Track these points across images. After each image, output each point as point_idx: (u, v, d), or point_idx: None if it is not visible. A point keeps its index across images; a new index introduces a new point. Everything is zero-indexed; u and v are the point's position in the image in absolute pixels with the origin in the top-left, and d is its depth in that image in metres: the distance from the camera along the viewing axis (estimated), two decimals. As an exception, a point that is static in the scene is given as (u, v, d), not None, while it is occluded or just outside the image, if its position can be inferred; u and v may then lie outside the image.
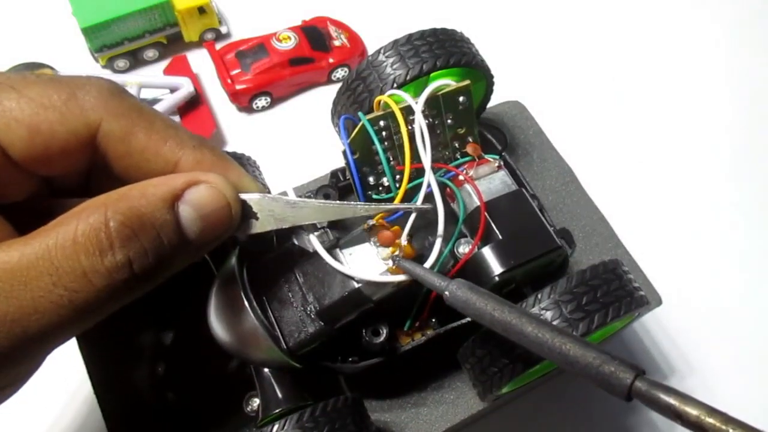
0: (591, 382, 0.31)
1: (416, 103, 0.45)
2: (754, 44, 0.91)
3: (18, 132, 0.32)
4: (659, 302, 0.55)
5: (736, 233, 0.75)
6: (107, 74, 0.82)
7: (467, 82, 0.48)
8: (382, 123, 0.46)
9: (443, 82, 0.47)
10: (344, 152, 0.45)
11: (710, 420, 0.26)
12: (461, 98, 0.48)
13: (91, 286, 0.30)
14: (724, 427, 0.26)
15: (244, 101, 0.80)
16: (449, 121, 0.48)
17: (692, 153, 0.81)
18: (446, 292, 0.38)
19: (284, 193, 0.43)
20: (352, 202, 0.42)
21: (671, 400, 0.27)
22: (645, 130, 0.82)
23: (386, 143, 0.46)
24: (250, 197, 0.37)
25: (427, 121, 0.47)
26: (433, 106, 0.47)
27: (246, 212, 0.37)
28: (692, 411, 0.26)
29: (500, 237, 0.45)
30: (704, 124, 0.83)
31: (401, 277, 0.41)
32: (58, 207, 0.34)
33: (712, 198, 0.77)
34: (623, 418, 0.63)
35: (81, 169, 0.36)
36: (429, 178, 0.43)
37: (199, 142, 0.37)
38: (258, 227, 0.38)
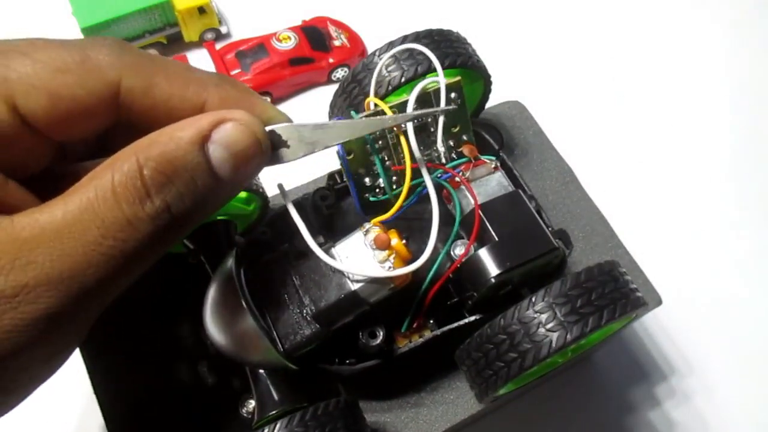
0: None
1: (406, 100, 0.45)
2: (755, 44, 0.91)
3: (38, 99, 0.31)
4: (659, 302, 0.55)
5: (736, 233, 0.75)
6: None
7: (458, 78, 0.47)
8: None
9: (434, 78, 0.47)
10: (338, 153, 0.45)
11: None
12: (453, 95, 0.47)
13: (138, 233, 0.30)
14: None
15: (244, 101, 0.79)
16: (442, 118, 0.48)
17: (692, 153, 0.81)
18: None
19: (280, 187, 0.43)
20: (380, 116, 0.41)
21: None
22: (645, 130, 0.82)
23: (380, 143, 0.46)
24: (278, 127, 0.36)
25: (419, 120, 0.46)
26: (426, 104, 0.47)
27: (276, 142, 0.36)
28: None
29: (497, 239, 0.45)
30: (704, 124, 0.83)
31: (396, 272, 0.41)
32: (77, 172, 0.33)
33: (712, 198, 0.77)
34: (623, 418, 0.63)
35: (102, 130, 0.35)
36: (425, 177, 0.43)
37: (219, 79, 0.36)
38: (290, 155, 0.37)
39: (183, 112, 0.34)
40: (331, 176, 0.53)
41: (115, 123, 0.35)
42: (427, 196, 0.44)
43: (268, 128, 0.36)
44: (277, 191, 0.46)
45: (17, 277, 0.28)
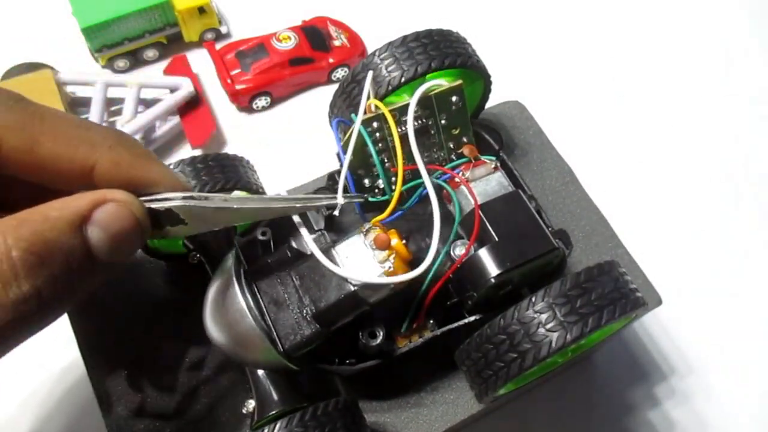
0: None
1: (408, 104, 0.45)
2: (755, 44, 0.91)
3: None
4: (659, 302, 0.55)
5: (736, 233, 0.75)
6: (107, 74, 0.83)
7: (459, 82, 0.47)
8: (375, 124, 0.46)
9: (435, 82, 0.47)
10: (338, 155, 0.45)
11: None
12: (454, 98, 0.47)
13: None
14: None
15: (244, 101, 0.80)
16: (443, 121, 0.48)
17: (692, 153, 0.81)
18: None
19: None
20: (275, 196, 0.42)
21: None
22: (645, 130, 0.82)
23: (380, 145, 0.46)
24: (174, 204, 0.35)
25: (420, 122, 0.47)
26: (426, 107, 0.47)
27: (169, 217, 0.35)
28: None
29: (496, 239, 0.45)
30: (704, 124, 0.83)
31: (397, 279, 0.41)
32: None
33: (713, 198, 0.77)
34: (623, 418, 0.63)
35: None
36: (425, 179, 0.43)
37: (115, 140, 0.34)
38: (187, 231, 0.36)
39: (71, 173, 0.33)
40: (331, 176, 0.53)
41: None
42: (426, 197, 0.44)
43: (164, 205, 0.35)
44: (279, 190, 0.46)
45: None
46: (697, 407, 0.64)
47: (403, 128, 0.45)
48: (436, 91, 0.47)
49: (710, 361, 0.66)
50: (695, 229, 0.75)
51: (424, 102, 0.46)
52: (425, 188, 0.44)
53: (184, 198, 0.35)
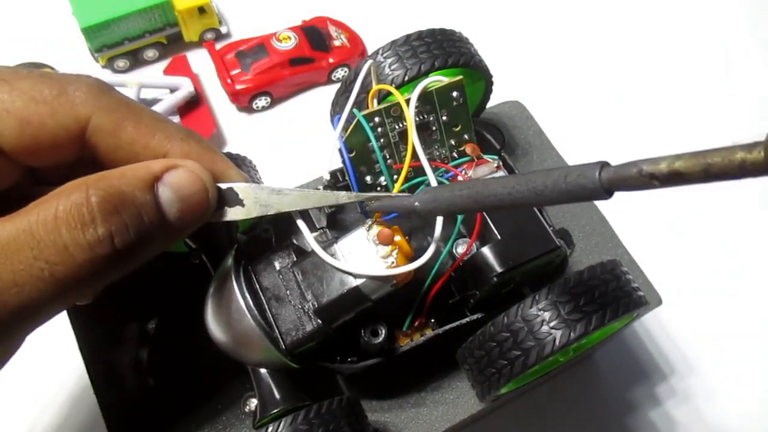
0: (569, 200, 0.30)
1: (408, 99, 0.45)
2: (756, 43, 0.91)
3: (9, 123, 0.33)
4: (659, 302, 0.55)
5: (736, 233, 0.75)
6: (107, 74, 0.83)
7: (460, 77, 0.47)
8: (377, 119, 0.46)
9: (436, 78, 0.47)
10: (340, 150, 0.45)
11: (679, 163, 0.26)
12: (454, 93, 0.47)
13: (73, 260, 0.30)
14: (695, 162, 0.26)
15: (244, 101, 0.80)
16: (444, 117, 0.48)
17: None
18: (416, 203, 0.38)
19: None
20: (335, 191, 0.42)
21: (644, 166, 0.26)
22: (645, 129, 0.82)
23: (382, 140, 0.46)
24: (237, 186, 0.38)
25: (422, 118, 0.47)
26: (428, 103, 0.47)
27: (229, 198, 0.38)
28: (661, 165, 0.26)
29: (499, 237, 0.45)
30: (704, 124, 0.83)
31: (399, 270, 0.41)
32: (41, 194, 0.34)
33: (713, 198, 0.77)
34: (623, 418, 0.63)
35: (69, 161, 0.36)
36: (428, 174, 0.44)
37: (186, 134, 0.37)
38: (243, 213, 0.39)
39: (144, 157, 0.36)
40: (333, 174, 0.53)
41: (79, 156, 0.36)
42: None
43: (227, 185, 0.38)
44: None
45: None
46: (698, 407, 0.64)
47: (402, 124, 0.45)
48: (437, 86, 0.47)
49: (710, 361, 0.67)
50: (695, 229, 0.75)
51: (425, 97, 0.46)
52: (428, 185, 0.44)
53: (246, 183, 0.39)
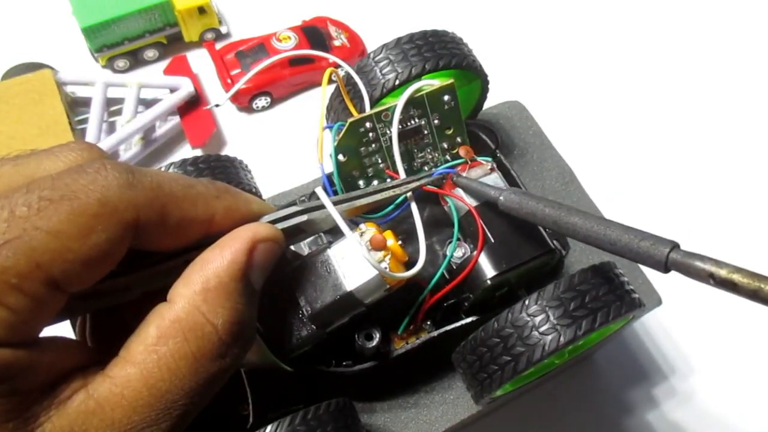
0: (632, 259, 0.34)
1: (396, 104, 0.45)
2: (756, 44, 0.90)
3: (75, 270, 0.28)
4: (659, 302, 0.55)
5: (736, 233, 0.74)
6: (107, 74, 0.83)
7: (451, 81, 0.47)
8: (368, 125, 0.46)
9: (426, 82, 0.47)
10: (330, 156, 0.45)
11: (737, 275, 0.30)
12: (446, 97, 0.47)
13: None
14: (749, 281, 0.30)
15: (244, 101, 0.80)
16: (436, 121, 0.47)
17: (692, 153, 0.80)
18: (501, 198, 0.41)
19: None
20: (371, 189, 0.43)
21: (705, 265, 0.31)
22: (645, 129, 0.82)
23: (374, 145, 0.46)
24: (299, 219, 0.38)
25: (413, 122, 0.46)
26: (418, 106, 0.47)
27: (293, 234, 0.38)
28: (723, 270, 0.30)
29: (492, 240, 0.45)
30: (704, 124, 0.83)
31: (398, 276, 0.41)
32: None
33: (713, 198, 0.77)
34: (623, 418, 0.63)
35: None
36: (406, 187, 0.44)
37: (215, 188, 0.35)
38: (301, 240, 0.41)
39: (192, 231, 0.33)
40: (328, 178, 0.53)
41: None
42: (424, 197, 0.44)
43: (295, 222, 0.38)
44: (273, 193, 0.46)
45: None
46: (698, 407, 0.64)
47: (388, 132, 0.45)
48: (427, 91, 0.46)
49: (710, 361, 0.66)
50: (695, 230, 0.74)
51: (416, 102, 0.46)
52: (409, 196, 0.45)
53: (302, 212, 0.38)
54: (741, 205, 0.77)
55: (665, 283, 0.56)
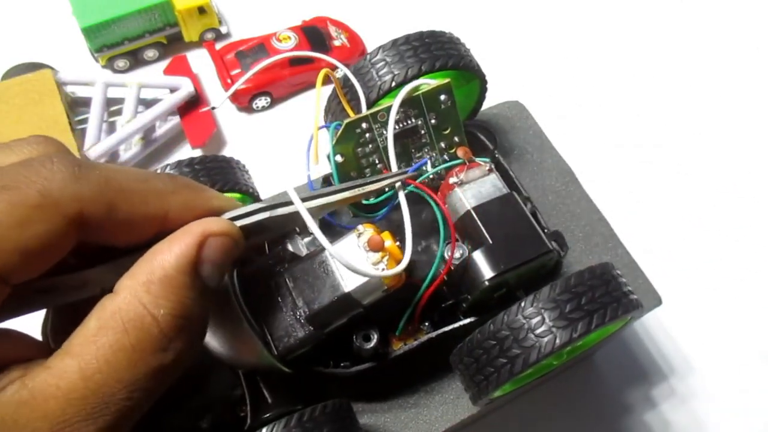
0: None
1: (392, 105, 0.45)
2: (757, 44, 0.90)
3: (11, 260, 0.28)
4: (659, 302, 0.54)
5: (736, 233, 0.74)
6: (107, 74, 0.83)
7: (447, 80, 0.47)
8: (364, 125, 0.46)
9: (422, 81, 0.47)
10: (328, 156, 0.45)
11: None
12: (442, 97, 0.47)
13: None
14: None
15: (244, 101, 0.80)
16: (433, 121, 0.47)
17: (692, 152, 0.80)
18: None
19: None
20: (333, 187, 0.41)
21: None
22: (645, 129, 0.82)
23: (371, 146, 0.46)
24: (261, 216, 0.37)
25: (410, 122, 0.46)
26: (415, 106, 0.47)
27: (253, 232, 0.37)
28: None
29: (490, 241, 0.45)
30: (705, 124, 0.83)
31: (387, 272, 0.41)
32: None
33: (713, 198, 0.77)
34: (623, 418, 0.63)
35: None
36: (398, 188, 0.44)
37: (172, 183, 0.34)
38: (262, 240, 0.39)
39: (144, 226, 0.33)
40: (325, 179, 0.53)
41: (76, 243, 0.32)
42: (420, 198, 0.44)
43: (257, 219, 0.36)
44: (273, 192, 0.46)
45: None
46: (698, 407, 0.64)
47: (385, 131, 0.45)
48: (423, 90, 0.46)
49: (710, 361, 0.66)
50: (696, 230, 0.74)
51: (413, 101, 0.46)
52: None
53: (264, 209, 0.37)
54: (741, 205, 0.77)
55: (665, 283, 0.56)
